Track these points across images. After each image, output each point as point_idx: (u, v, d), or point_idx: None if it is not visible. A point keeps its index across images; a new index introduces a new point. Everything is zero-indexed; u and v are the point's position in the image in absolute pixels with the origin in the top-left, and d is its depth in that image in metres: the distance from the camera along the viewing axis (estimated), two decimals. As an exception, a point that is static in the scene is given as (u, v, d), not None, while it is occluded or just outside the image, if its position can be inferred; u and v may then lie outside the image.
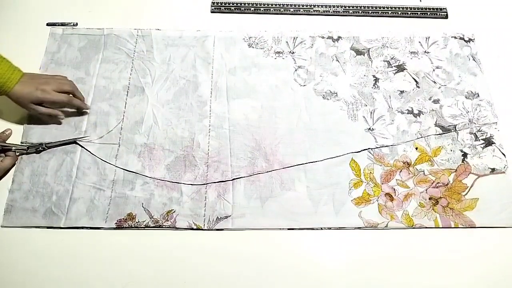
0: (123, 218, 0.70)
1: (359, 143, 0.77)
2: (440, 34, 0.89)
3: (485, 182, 0.74)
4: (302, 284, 0.66)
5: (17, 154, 0.73)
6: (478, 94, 0.83)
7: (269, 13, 0.92)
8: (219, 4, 0.92)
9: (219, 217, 0.70)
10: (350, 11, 0.92)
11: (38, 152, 0.74)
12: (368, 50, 0.87)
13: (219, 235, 0.69)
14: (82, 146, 0.75)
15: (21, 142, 0.75)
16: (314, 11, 0.92)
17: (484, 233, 0.70)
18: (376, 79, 0.84)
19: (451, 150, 0.77)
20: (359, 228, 0.70)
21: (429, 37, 0.89)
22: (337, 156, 0.76)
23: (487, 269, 0.68)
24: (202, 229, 0.69)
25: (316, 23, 0.91)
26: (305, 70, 0.84)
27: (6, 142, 0.74)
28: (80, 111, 0.78)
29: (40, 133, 0.76)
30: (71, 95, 0.75)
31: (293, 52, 0.86)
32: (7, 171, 0.72)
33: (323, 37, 0.88)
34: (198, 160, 0.75)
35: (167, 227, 0.69)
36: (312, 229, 0.70)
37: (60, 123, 0.76)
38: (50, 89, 0.72)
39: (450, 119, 0.80)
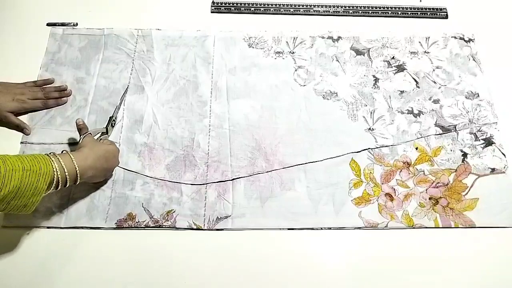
0: (123, 218, 0.70)
1: (359, 143, 0.77)
2: (440, 34, 0.90)
3: (485, 182, 0.74)
4: (302, 284, 0.66)
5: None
6: (478, 94, 0.83)
7: (269, 13, 0.92)
8: (219, 4, 0.92)
9: (219, 217, 0.70)
10: (350, 11, 0.92)
11: (113, 125, 0.76)
12: (368, 50, 0.87)
13: (219, 235, 0.69)
14: None
15: (21, 142, 0.75)
16: (314, 11, 0.93)
17: (484, 233, 0.70)
18: (376, 79, 0.84)
19: (451, 150, 0.77)
20: (359, 228, 0.70)
21: (429, 37, 0.89)
22: (337, 156, 0.76)
23: (487, 269, 0.67)
24: (202, 229, 0.69)
25: (316, 23, 0.91)
26: (305, 70, 0.84)
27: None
28: (61, 104, 0.79)
29: (40, 133, 0.76)
30: (44, 100, 0.78)
31: (293, 52, 0.86)
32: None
33: (323, 37, 0.88)
34: (198, 160, 0.75)
35: (167, 227, 0.69)
36: (312, 229, 0.70)
37: (27, 135, 0.76)
38: (25, 98, 0.76)
39: (450, 119, 0.80)
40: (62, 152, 0.62)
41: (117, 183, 0.72)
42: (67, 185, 0.60)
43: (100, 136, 0.73)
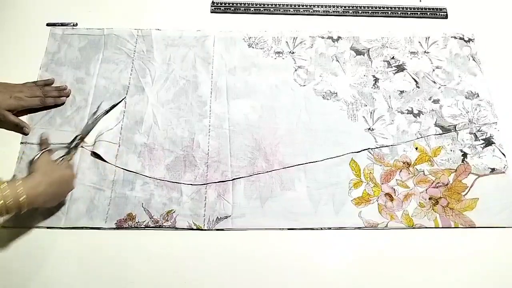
0: (123, 218, 0.70)
1: (359, 143, 0.77)
2: (440, 34, 0.90)
3: (485, 182, 0.74)
4: (302, 284, 0.66)
5: (68, 160, 0.71)
6: (478, 94, 0.83)
7: (269, 13, 0.92)
8: (219, 4, 0.92)
9: (219, 217, 0.70)
10: (350, 11, 0.92)
11: (76, 147, 0.73)
12: (368, 50, 0.87)
13: (219, 235, 0.69)
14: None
15: (21, 142, 0.75)
16: (314, 11, 0.93)
17: (484, 233, 0.70)
18: (376, 79, 0.84)
19: (451, 150, 0.77)
20: (359, 228, 0.70)
21: (429, 37, 0.89)
22: (337, 156, 0.76)
23: (487, 269, 0.68)
24: (202, 229, 0.69)
25: (316, 23, 0.91)
26: (305, 70, 0.84)
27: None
28: (60, 104, 0.78)
29: (40, 134, 0.76)
30: (43, 98, 0.77)
31: (293, 52, 0.86)
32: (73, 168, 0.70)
33: (323, 37, 0.88)
34: (198, 160, 0.75)
35: (167, 227, 0.69)
36: (312, 229, 0.70)
37: (27, 134, 0.75)
38: (23, 96, 0.75)
39: (450, 119, 0.80)
40: (13, 177, 0.61)
41: (117, 183, 0.72)
42: (13, 213, 0.59)
43: (62, 156, 0.71)
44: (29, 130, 0.76)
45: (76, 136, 0.73)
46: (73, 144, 0.73)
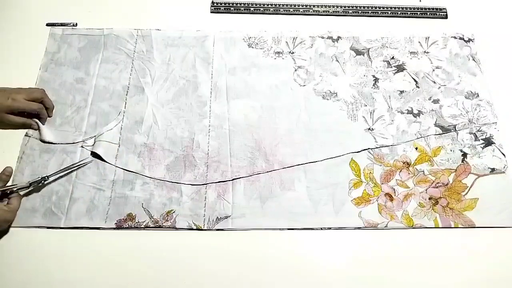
0: (123, 218, 0.70)
1: (359, 143, 0.77)
2: (440, 34, 0.90)
3: (485, 182, 0.74)
4: (302, 284, 0.66)
5: (20, 193, 0.69)
6: (477, 94, 0.83)
7: (269, 13, 0.92)
8: (219, 4, 0.92)
9: (219, 217, 0.70)
10: (350, 11, 0.92)
11: (42, 184, 0.70)
12: (368, 50, 0.87)
13: (219, 235, 0.69)
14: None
15: (25, 135, 0.75)
16: (313, 11, 0.93)
17: (484, 233, 0.70)
18: (376, 79, 0.84)
19: (451, 150, 0.77)
20: (359, 228, 0.70)
21: (428, 37, 0.89)
22: (337, 156, 0.76)
23: (487, 269, 0.67)
24: (202, 229, 0.69)
25: (316, 23, 0.91)
26: (304, 70, 0.84)
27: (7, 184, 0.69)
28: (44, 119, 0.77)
29: (40, 133, 0.76)
30: (41, 104, 0.75)
31: (293, 52, 0.86)
32: (15, 213, 0.67)
33: (322, 37, 0.89)
34: (198, 160, 0.75)
35: (167, 227, 0.69)
36: (312, 229, 0.70)
37: (36, 129, 0.75)
38: (20, 98, 0.73)
39: (450, 119, 0.80)
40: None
41: (117, 183, 0.72)
42: None
43: (16, 189, 0.68)
44: (37, 126, 0.75)
45: (44, 177, 0.70)
46: (38, 183, 0.69)
